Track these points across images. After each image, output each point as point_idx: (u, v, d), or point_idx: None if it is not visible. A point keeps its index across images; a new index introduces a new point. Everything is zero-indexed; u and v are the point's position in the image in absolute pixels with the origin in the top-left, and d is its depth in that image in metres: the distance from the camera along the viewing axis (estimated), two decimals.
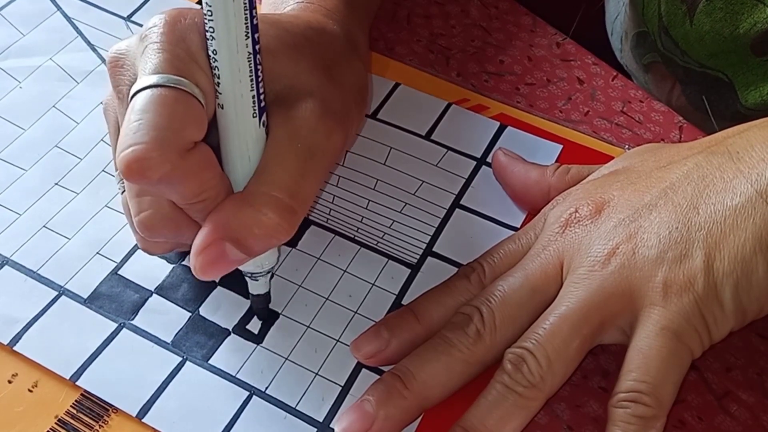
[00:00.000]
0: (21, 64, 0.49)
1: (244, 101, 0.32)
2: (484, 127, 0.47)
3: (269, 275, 0.38)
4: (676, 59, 0.49)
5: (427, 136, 0.47)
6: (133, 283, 0.40)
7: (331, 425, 0.36)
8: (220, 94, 0.32)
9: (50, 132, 0.46)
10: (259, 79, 0.32)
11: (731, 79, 0.48)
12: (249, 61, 0.32)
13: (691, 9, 0.45)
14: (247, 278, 0.38)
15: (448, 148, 0.46)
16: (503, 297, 0.36)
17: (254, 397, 0.37)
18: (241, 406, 0.37)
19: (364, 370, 0.38)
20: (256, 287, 0.38)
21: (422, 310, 0.38)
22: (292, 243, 0.42)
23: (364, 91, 0.40)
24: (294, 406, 0.37)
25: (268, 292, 0.39)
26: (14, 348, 0.38)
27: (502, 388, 0.34)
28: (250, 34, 0.31)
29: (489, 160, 0.46)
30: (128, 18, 0.52)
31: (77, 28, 0.52)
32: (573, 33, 0.53)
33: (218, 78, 0.32)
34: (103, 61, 0.50)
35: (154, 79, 0.31)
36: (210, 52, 0.32)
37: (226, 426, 0.36)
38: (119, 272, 0.41)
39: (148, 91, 0.31)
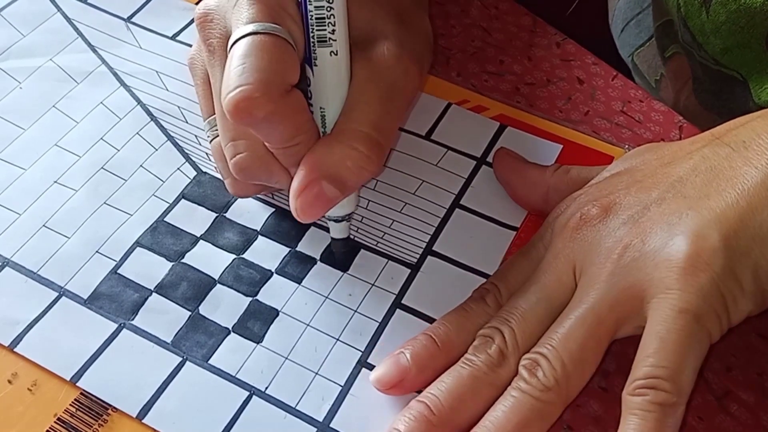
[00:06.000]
0: (21, 64, 0.49)
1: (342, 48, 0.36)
2: (484, 127, 0.47)
3: (346, 221, 0.40)
4: (694, 53, 0.49)
5: (427, 136, 0.47)
6: (133, 282, 0.40)
7: (331, 425, 0.36)
8: (335, 40, 0.36)
9: (50, 132, 0.46)
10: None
11: (746, 78, 0.47)
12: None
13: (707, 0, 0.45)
14: (330, 223, 0.40)
15: (448, 148, 0.46)
16: (522, 314, 0.36)
17: (254, 397, 0.37)
18: (241, 406, 0.37)
19: (363, 369, 0.38)
20: (337, 231, 0.40)
21: (442, 335, 0.37)
22: (293, 243, 0.42)
23: (431, 41, 0.42)
24: (294, 406, 0.37)
25: (348, 237, 0.41)
26: (15, 349, 0.38)
27: (519, 394, 0.34)
28: None
29: (489, 159, 0.46)
30: (128, 19, 0.52)
31: (77, 29, 0.52)
32: (573, 33, 0.53)
33: (326, 26, 0.35)
34: (103, 61, 0.50)
35: (252, 27, 0.34)
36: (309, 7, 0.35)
37: (226, 426, 0.36)
38: (119, 271, 0.41)
39: (248, 38, 0.34)
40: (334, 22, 0.35)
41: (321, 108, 0.37)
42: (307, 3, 0.35)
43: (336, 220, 0.40)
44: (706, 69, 0.49)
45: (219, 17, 0.37)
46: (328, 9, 0.35)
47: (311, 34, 0.35)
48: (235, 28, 0.34)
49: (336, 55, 0.36)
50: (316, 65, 0.36)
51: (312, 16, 0.35)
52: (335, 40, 0.36)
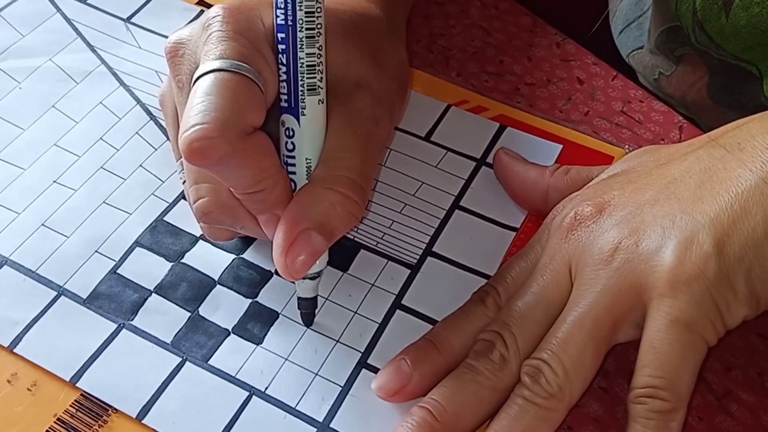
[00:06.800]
0: (21, 64, 0.49)
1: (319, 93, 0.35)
2: (484, 127, 0.47)
3: (318, 279, 0.38)
4: (710, 52, 0.49)
5: (427, 138, 0.47)
6: (132, 282, 0.40)
7: (331, 425, 0.36)
8: (322, 88, 0.35)
9: (49, 131, 0.46)
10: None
11: (762, 74, 0.47)
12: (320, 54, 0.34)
13: (727, 4, 0.45)
14: (298, 281, 0.38)
15: (448, 149, 0.46)
16: (521, 317, 0.36)
17: (254, 397, 0.37)
18: (240, 406, 0.37)
19: (364, 370, 0.38)
20: (304, 290, 0.38)
21: (442, 339, 0.37)
22: None
23: (406, 74, 0.41)
24: (294, 406, 0.37)
25: (316, 297, 0.39)
26: (15, 350, 0.38)
27: (523, 402, 0.34)
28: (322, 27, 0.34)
29: (489, 160, 0.46)
30: (128, 19, 0.52)
31: (77, 29, 0.52)
32: (573, 33, 0.53)
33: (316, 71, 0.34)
34: (103, 61, 0.50)
35: (217, 63, 0.32)
36: (280, 46, 0.34)
37: (226, 426, 0.36)
38: (118, 271, 0.41)
39: (211, 74, 0.32)
40: (323, 69, 0.34)
41: (307, 159, 0.35)
42: (298, 50, 0.34)
43: (312, 278, 0.37)
44: (724, 64, 0.49)
45: (190, 52, 0.35)
46: (318, 56, 0.34)
47: (300, 83, 0.34)
48: (201, 64, 0.33)
49: (323, 103, 0.35)
50: (304, 114, 0.34)
51: (303, 63, 0.34)
52: (322, 88, 0.35)
